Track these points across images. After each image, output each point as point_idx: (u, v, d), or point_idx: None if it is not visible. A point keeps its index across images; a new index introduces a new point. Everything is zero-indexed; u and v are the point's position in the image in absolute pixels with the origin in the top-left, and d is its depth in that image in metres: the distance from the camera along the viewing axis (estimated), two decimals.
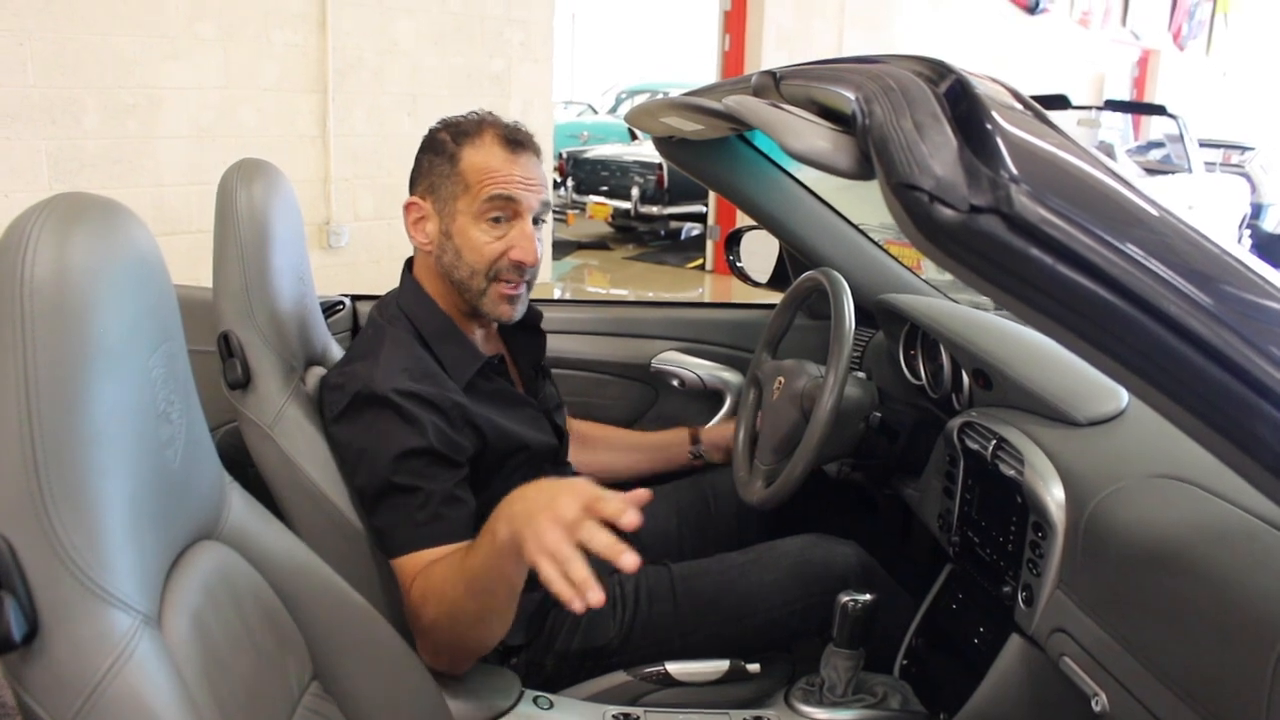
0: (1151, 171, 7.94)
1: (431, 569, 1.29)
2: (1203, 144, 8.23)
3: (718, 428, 2.02)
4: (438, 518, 1.33)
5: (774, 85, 1.03)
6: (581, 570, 1.01)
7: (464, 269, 1.47)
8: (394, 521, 1.34)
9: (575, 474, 1.71)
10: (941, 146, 0.69)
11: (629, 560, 0.99)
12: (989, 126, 0.70)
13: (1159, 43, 13.39)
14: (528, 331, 1.66)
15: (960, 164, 0.68)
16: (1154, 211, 0.71)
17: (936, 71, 0.77)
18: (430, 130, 1.52)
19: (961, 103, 0.72)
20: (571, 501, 1.05)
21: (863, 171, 0.80)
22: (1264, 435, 0.67)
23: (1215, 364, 0.66)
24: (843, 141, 0.83)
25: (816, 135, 0.85)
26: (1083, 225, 0.66)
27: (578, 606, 1.00)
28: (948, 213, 0.67)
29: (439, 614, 1.26)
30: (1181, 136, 7.57)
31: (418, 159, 1.52)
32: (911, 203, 0.69)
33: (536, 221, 1.49)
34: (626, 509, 1.02)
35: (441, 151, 1.47)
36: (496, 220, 1.45)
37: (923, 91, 0.74)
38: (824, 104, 0.90)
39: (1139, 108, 11.07)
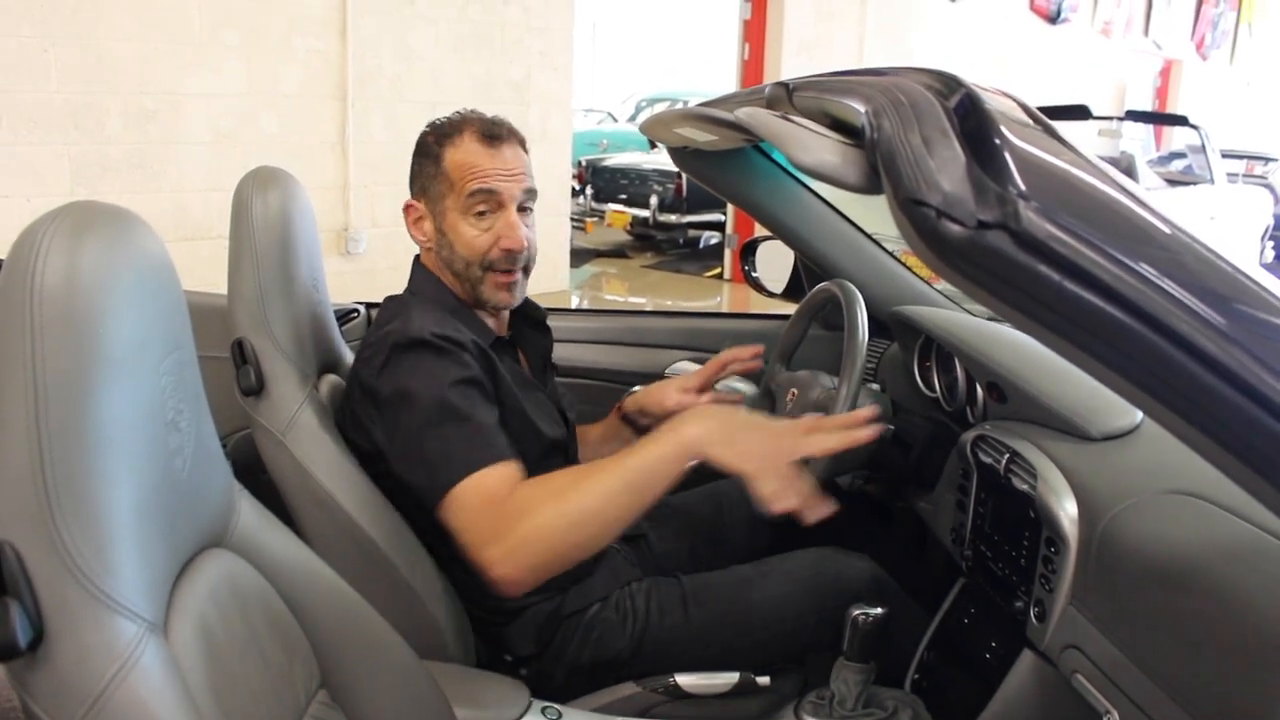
0: (1173, 182, 7.89)
1: (544, 479, 1.30)
2: (1225, 155, 8.17)
3: (638, 394, 1.83)
4: (492, 442, 1.35)
5: (787, 97, 1.03)
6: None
7: (459, 262, 1.52)
8: (450, 447, 1.33)
9: None
10: (949, 162, 0.68)
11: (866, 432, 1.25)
12: (998, 142, 0.69)
13: (1181, 52, 13.29)
14: (534, 328, 1.69)
15: (968, 179, 0.67)
16: (1166, 228, 0.71)
17: (946, 85, 0.76)
18: (420, 134, 1.57)
19: (971, 118, 0.71)
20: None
21: (871, 186, 0.80)
22: (1276, 455, 0.66)
23: (1227, 383, 0.65)
24: (851, 155, 0.83)
25: (825, 149, 0.85)
26: (1092, 242, 0.66)
27: (810, 517, 1.21)
28: (955, 229, 0.67)
29: (546, 522, 1.23)
30: (1204, 147, 7.53)
31: (411, 162, 1.57)
32: (919, 218, 0.68)
33: (524, 209, 1.52)
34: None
35: (428, 154, 1.53)
36: (482, 214, 1.49)
37: (932, 106, 0.74)
38: (836, 116, 0.90)
39: (1161, 118, 11.02)
